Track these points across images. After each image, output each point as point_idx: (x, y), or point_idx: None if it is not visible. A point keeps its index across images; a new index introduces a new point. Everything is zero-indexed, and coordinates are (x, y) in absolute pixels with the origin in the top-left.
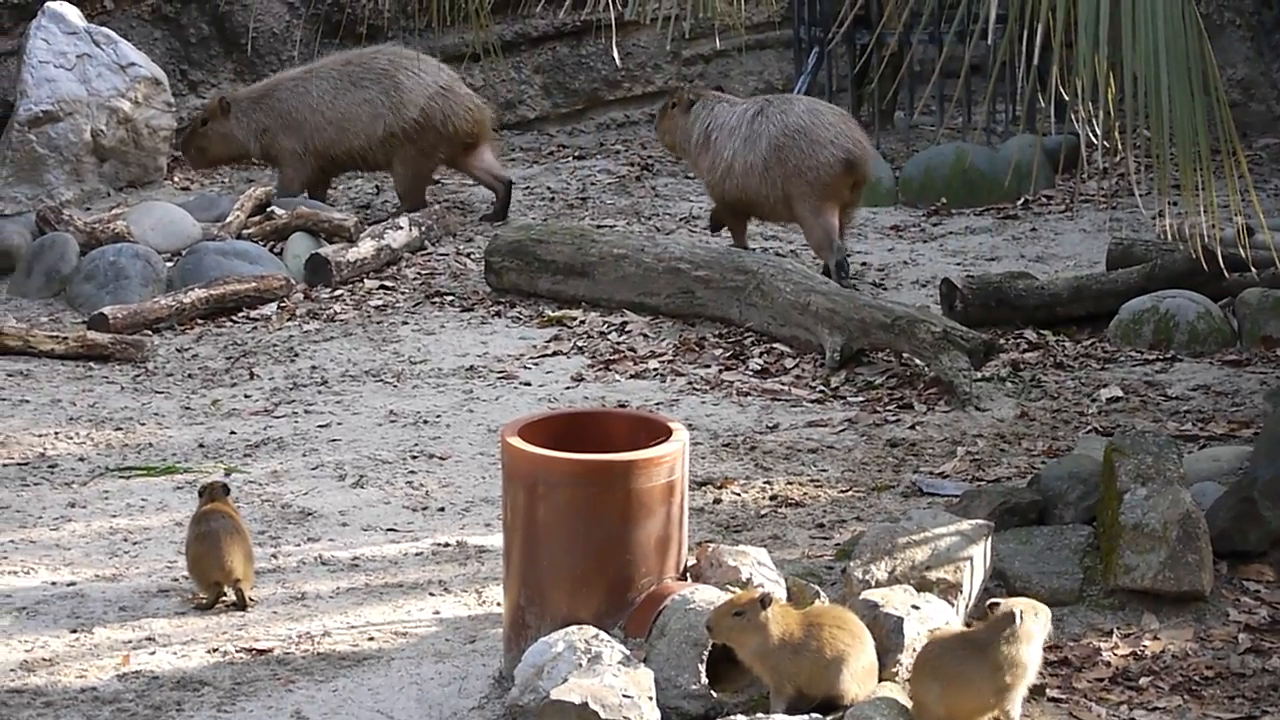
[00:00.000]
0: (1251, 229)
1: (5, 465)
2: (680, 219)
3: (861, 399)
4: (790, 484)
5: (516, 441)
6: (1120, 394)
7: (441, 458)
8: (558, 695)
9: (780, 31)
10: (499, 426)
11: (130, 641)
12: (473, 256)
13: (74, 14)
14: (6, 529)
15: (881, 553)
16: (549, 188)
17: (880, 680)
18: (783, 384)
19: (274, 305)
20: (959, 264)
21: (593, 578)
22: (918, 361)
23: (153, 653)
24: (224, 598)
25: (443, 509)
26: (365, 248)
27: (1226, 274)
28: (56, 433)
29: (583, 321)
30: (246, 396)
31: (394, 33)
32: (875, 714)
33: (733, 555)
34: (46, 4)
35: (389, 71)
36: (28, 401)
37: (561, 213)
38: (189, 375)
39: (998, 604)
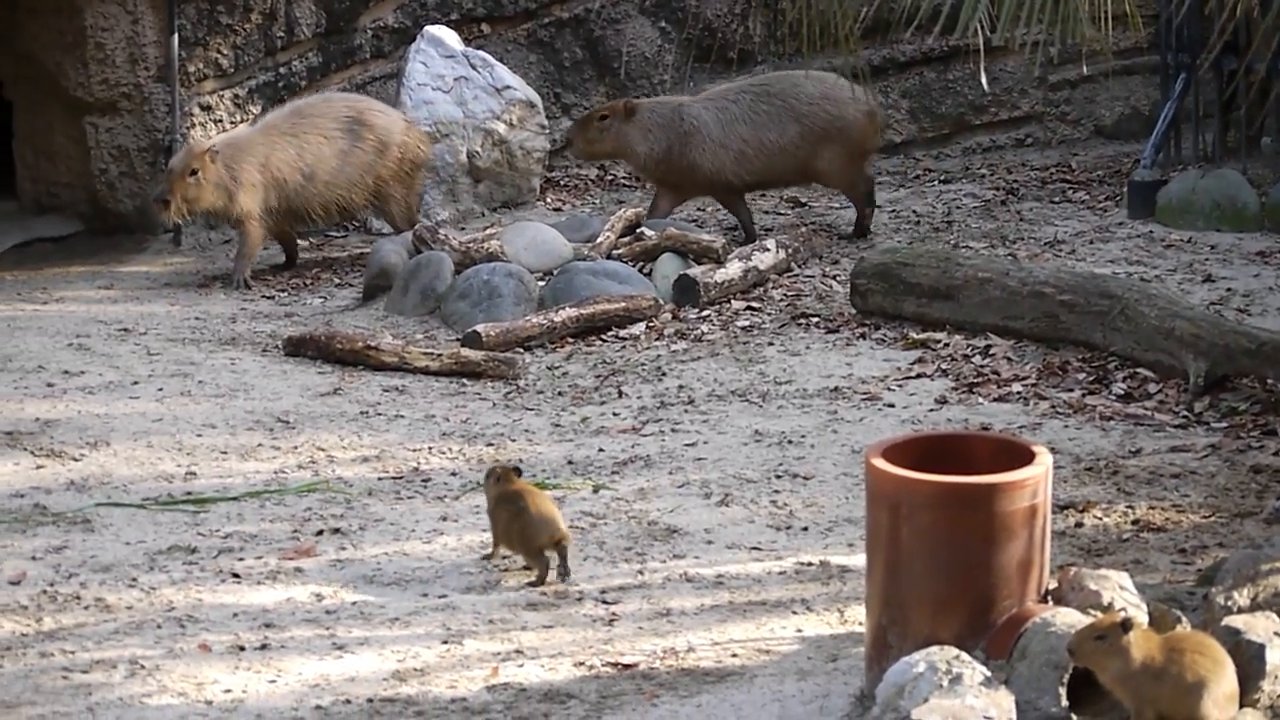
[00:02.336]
0: None
1: (380, 479)
2: (1045, 243)
3: (1225, 425)
4: (1152, 509)
5: (881, 463)
6: None
7: (805, 477)
8: (919, 715)
9: (1147, 57)
10: (862, 447)
11: (499, 653)
12: (838, 279)
13: (452, 38)
14: (381, 541)
15: (1244, 579)
16: (914, 211)
17: (1241, 707)
18: (1146, 409)
19: (642, 325)
20: None
21: (955, 599)
22: None
23: (521, 665)
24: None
25: (806, 528)
26: (732, 269)
27: None
28: (430, 447)
29: (946, 344)
30: (615, 414)
31: (764, 57)
32: None
33: (1094, 579)
34: (425, 28)
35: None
36: (403, 417)
37: (926, 236)
38: (559, 393)
39: None
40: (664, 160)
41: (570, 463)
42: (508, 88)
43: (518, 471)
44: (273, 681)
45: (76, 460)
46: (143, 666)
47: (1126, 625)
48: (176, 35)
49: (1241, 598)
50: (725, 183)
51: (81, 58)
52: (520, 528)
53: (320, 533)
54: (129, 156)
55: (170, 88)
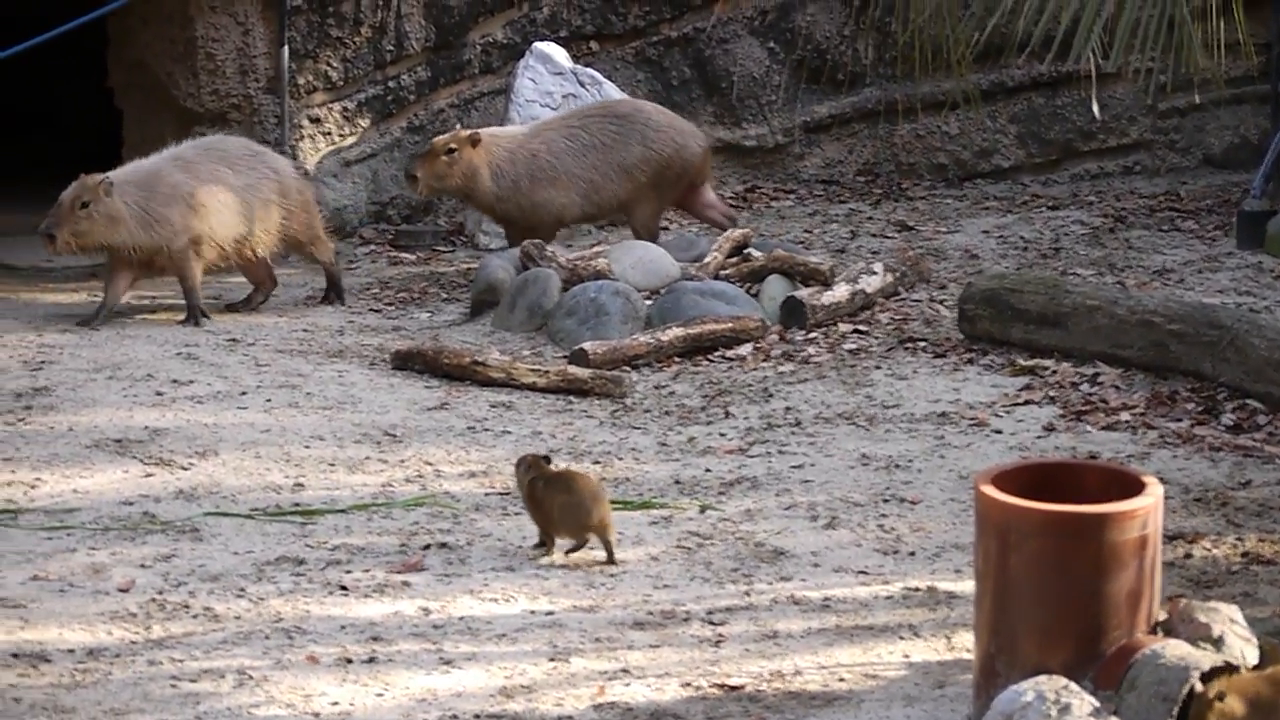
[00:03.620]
0: None
1: (487, 494)
2: (1153, 272)
3: None
4: (1262, 541)
5: (991, 490)
6: None
7: (912, 502)
8: None
9: (1258, 86)
10: (969, 473)
11: (606, 672)
12: (945, 303)
13: (560, 55)
14: (488, 557)
15: None
16: (1022, 237)
17: None
18: (1255, 440)
19: (749, 346)
20: None
21: (1063, 628)
22: None
23: (627, 684)
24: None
25: (913, 553)
26: (840, 292)
27: None
28: (578, 471)
29: (1054, 371)
30: (722, 435)
31: (872, 80)
32: None
33: (1204, 612)
34: (534, 44)
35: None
36: (509, 433)
37: (1034, 262)
38: (666, 412)
39: None
40: (506, 198)
41: (677, 482)
42: None
43: (547, 460)
44: (380, 695)
45: (185, 469)
46: (250, 677)
47: (1220, 696)
48: (287, 47)
49: None
50: (572, 216)
51: (192, 68)
52: (566, 506)
53: (427, 547)
54: None
55: (280, 99)
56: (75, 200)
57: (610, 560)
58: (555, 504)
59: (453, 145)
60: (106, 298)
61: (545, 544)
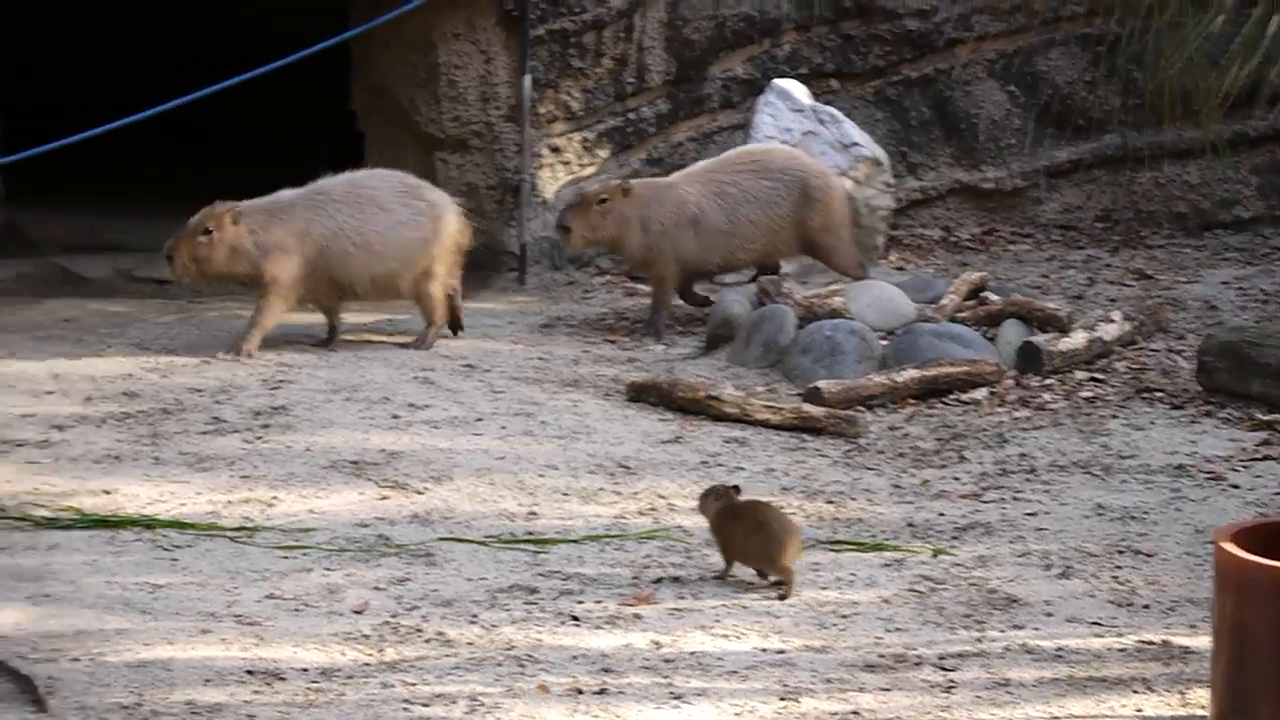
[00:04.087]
0: None
1: None
2: None
3: None
4: None
5: (1229, 547)
6: None
7: (1148, 554)
8: None
9: None
10: (1205, 527)
11: (836, 713)
12: (1183, 354)
13: (801, 91)
14: (720, 592)
15: None
16: (1262, 290)
17: None
18: None
19: (984, 390)
20: None
21: None
22: None
23: None
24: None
25: (1147, 606)
26: (1077, 339)
27: None
28: (769, 502)
29: None
30: (955, 479)
31: (1113, 126)
32: None
33: None
34: (774, 81)
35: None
36: (743, 469)
37: (1275, 315)
38: (899, 454)
39: None
40: (653, 247)
41: (910, 525)
42: (855, 144)
43: (736, 490)
44: None
45: (420, 493)
46: (482, 703)
47: None
48: (529, 76)
49: None
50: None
51: (434, 94)
52: (760, 539)
53: (659, 580)
54: (477, 194)
55: (520, 128)
56: (199, 226)
57: (783, 596)
58: (745, 538)
59: (604, 195)
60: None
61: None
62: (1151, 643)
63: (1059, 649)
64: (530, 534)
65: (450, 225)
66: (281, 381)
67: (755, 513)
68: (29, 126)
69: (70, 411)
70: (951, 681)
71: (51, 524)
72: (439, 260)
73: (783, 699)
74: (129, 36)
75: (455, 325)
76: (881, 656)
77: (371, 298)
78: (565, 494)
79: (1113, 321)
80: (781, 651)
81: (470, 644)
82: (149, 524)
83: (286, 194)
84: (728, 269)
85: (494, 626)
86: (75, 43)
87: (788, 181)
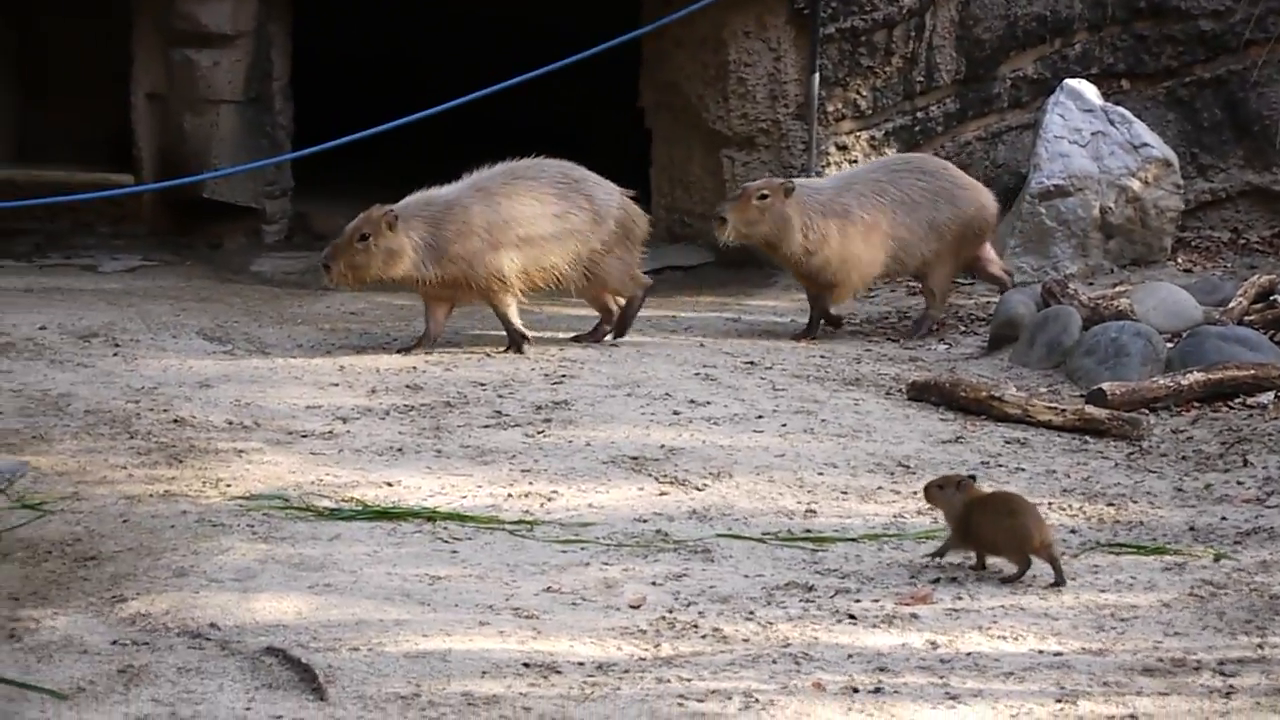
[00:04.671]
0: None
1: None
2: None
3: None
4: None
5: None
6: None
7: None
8: None
9: None
10: None
11: (1113, 717)
12: None
13: (1091, 92)
14: (998, 594)
15: None
16: None
17: None
18: None
19: (1271, 394)
20: None
21: None
22: None
23: None
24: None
25: None
26: None
27: None
28: (1050, 503)
29: None
30: (1239, 483)
31: None
32: None
33: None
34: (1065, 81)
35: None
36: (1023, 470)
37: None
38: (1182, 457)
39: None
40: (815, 251)
41: (1191, 529)
42: (1144, 145)
43: (973, 479)
44: None
45: (699, 489)
46: (757, 700)
47: None
48: (818, 74)
49: None
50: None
51: (723, 91)
52: (1011, 527)
53: (937, 580)
54: None
55: (808, 126)
56: (355, 232)
57: (1059, 582)
58: (996, 527)
59: (766, 192)
60: (428, 328)
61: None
62: None
63: None
64: (808, 531)
65: (613, 219)
66: (564, 376)
67: (1006, 502)
68: (317, 120)
69: (355, 403)
70: (1231, 687)
71: (334, 515)
72: (603, 254)
73: (1059, 701)
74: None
75: (619, 325)
76: (1160, 660)
77: (537, 291)
78: (844, 492)
79: None
80: (1059, 654)
81: (746, 640)
82: (430, 516)
83: (442, 191)
84: (886, 277)
85: (770, 623)
86: (364, 36)
87: (943, 187)
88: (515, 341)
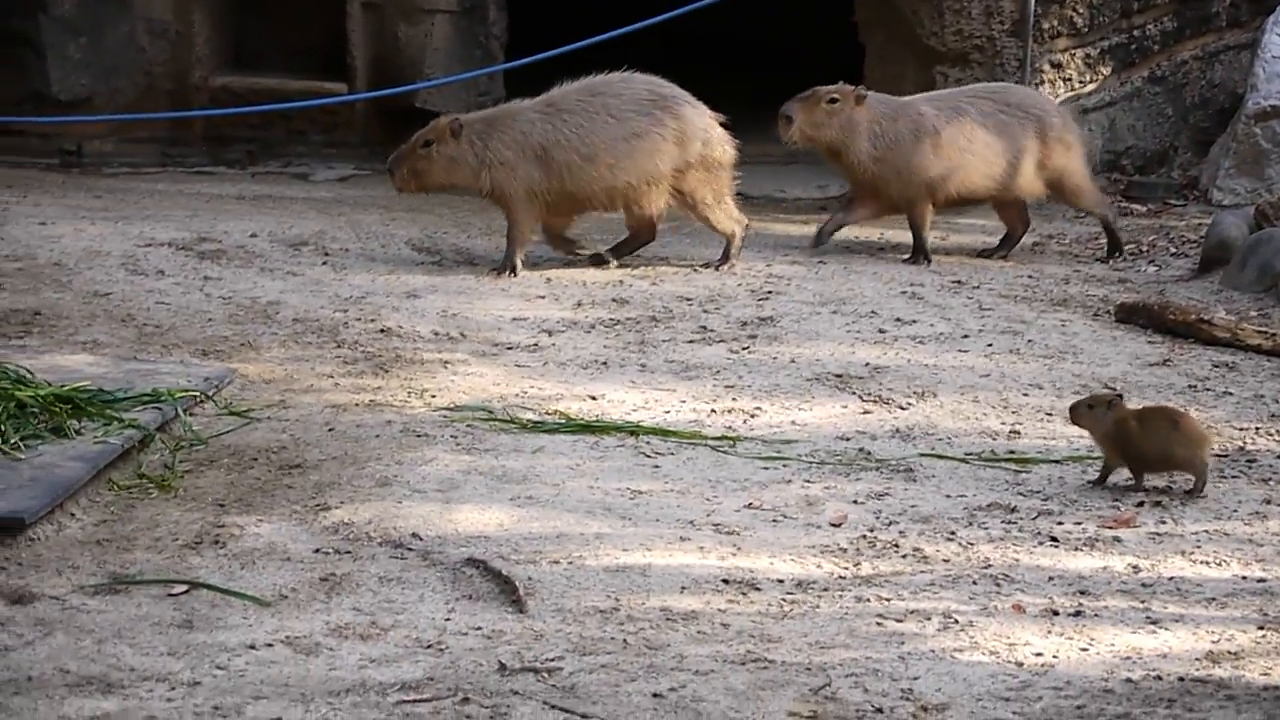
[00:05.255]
0: None
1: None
2: None
3: None
4: None
5: None
6: None
7: None
8: None
9: None
10: None
11: None
12: None
13: None
14: (1201, 519)
15: None
16: None
17: None
18: None
19: None
20: None
21: None
22: None
23: None
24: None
25: None
26: None
27: None
28: (1257, 428)
29: None
30: None
31: None
32: None
33: None
34: None
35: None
36: (1230, 394)
37: None
38: None
39: None
40: (883, 160)
41: None
42: None
43: (1120, 397)
44: (1084, 649)
45: (903, 409)
46: (955, 621)
47: None
48: None
49: None
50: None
51: (938, 7)
52: (1179, 439)
53: (1140, 504)
54: None
55: (1023, 43)
56: (420, 139)
57: (1199, 491)
58: (1162, 440)
59: (836, 95)
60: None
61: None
62: None
63: None
64: (1011, 453)
65: (699, 140)
66: (770, 293)
67: (1166, 415)
68: (525, 34)
69: (561, 316)
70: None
71: (538, 427)
72: (685, 176)
73: (1261, 628)
74: None
75: (632, 242)
76: None
77: (614, 210)
78: (1049, 414)
79: None
80: (1262, 580)
81: (946, 561)
82: (633, 430)
83: (513, 105)
84: (964, 199)
85: (971, 544)
86: None
87: (1026, 117)
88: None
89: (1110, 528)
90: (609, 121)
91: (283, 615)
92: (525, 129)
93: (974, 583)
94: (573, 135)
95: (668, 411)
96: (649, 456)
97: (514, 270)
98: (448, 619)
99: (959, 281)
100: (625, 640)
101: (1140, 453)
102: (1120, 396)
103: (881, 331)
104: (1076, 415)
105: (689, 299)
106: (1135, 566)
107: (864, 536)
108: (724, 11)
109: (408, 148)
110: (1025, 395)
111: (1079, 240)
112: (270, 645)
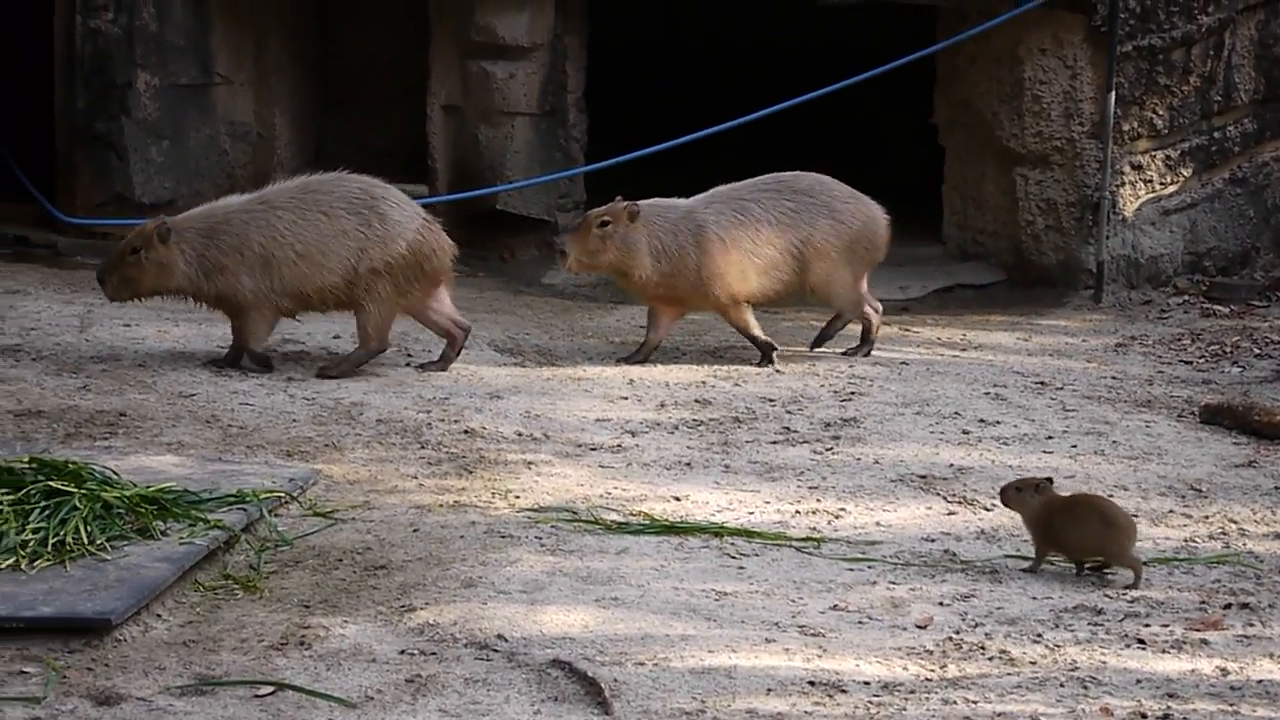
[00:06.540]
0: None
1: None
2: None
3: None
4: None
5: None
6: None
7: None
8: None
9: None
10: None
11: None
12: None
13: None
14: None
15: None
16: None
17: None
18: None
19: None
20: None
21: None
22: None
23: None
24: None
25: None
26: None
27: None
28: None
29: None
30: None
31: None
32: None
33: None
34: None
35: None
36: None
37: None
38: None
39: None
40: (673, 274)
41: None
42: None
43: (1050, 481)
44: None
45: (988, 510)
46: None
47: None
48: (1113, 93)
49: None
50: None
51: (1018, 109)
52: (1102, 528)
53: (1228, 606)
54: (1056, 210)
55: (1103, 145)
56: (128, 245)
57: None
58: (1084, 528)
59: (606, 218)
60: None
61: None
62: None
63: None
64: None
65: (404, 242)
66: (853, 393)
67: (1092, 505)
68: (607, 134)
69: (644, 417)
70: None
71: (622, 528)
72: (387, 277)
73: None
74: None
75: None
76: None
77: (331, 310)
78: (1134, 515)
79: None
80: None
81: (1033, 663)
82: (717, 531)
83: (226, 203)
84: (765, 297)
85: (1058, 646)
86: (657, 51)
87: (814, 204)
88: (250, 359)
89: (1198, 630)
90: (321, 219)
91: (368, 717)
92: (240, 231)
93: (1061, 685)
94: (287, 232)
95: (752, 512)
96: (734, 558)
97: (267, 365)
98: None
99: (1042, 383)
100: None
101: (1063, 540)
102: (1050, 481)
103: (965, 433)
104: (1006, 498)
105: (771, 400)
106: (1223, 669)
107: (950, 638)
108: (808, 113)
109: (117, 254)
110: (1111, 496)
111: (1162, 341)
112: None
